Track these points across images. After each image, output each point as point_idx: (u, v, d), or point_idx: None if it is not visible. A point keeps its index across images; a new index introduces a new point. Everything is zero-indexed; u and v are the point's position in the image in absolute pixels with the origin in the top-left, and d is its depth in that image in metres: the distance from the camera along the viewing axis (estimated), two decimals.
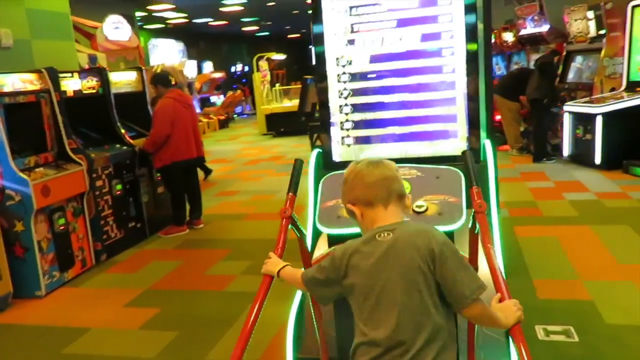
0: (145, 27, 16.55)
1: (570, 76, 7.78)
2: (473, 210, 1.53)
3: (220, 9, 15.38)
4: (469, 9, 2.45)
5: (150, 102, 5.59)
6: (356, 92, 2.62)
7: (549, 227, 4.40)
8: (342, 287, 1.40)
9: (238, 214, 5.81)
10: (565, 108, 6.88)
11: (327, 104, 2.64)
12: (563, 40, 7.89)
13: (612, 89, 6.92)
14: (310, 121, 8.78)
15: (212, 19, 17.83)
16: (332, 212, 1.94)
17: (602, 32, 7.07)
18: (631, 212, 4.69)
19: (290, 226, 1.80)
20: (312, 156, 2.65)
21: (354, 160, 1.55)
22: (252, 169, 8.68)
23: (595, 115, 6.25)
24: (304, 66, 26.97)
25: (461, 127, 2.52)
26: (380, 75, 2.58)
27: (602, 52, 7.08)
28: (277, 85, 15.65)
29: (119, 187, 4.72)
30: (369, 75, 2.59)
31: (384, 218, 1.41)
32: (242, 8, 15.71)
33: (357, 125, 2.64)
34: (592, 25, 7.16)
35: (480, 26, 2.83)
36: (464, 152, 1.77)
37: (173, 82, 5.31)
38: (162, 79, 5.17)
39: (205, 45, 21.69)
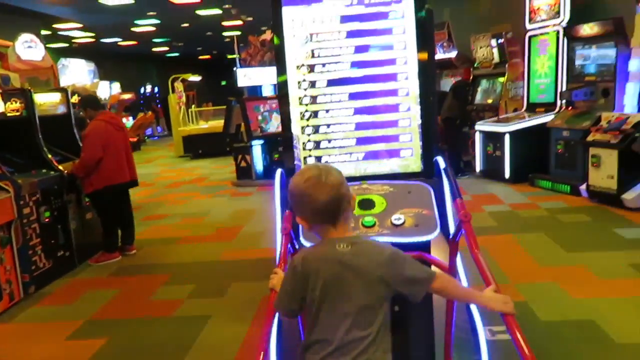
0: (48, 45, 15.65)
1: (478, 98, 8.46)
2: (458, 219, 1.70)
3: (132, 29, 14.97)
4: (421, 35, 2.69)
5: (76, 123, 5.36)
6: (317, 114, 2.75)
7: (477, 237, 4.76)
8: (306, 294, 1.46)
9: (171, 238, 5.67)
10: (477, 127, 7.47)
11: (290, 125, 2.75)
12: (470, 65, 8.59)
13: (515, 110, 7.64)
14: (234, 142, 8.77)
15: (121, 39, 17.26)
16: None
17: (505, 58, 7.79)
18: (542, 220, 5.20)
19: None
20: (277, 176, 2.73)
21: (300, 170, 1.55)
22: (176, 192, 8.49)
23: (503, 133, 6.86)
24: (215, 87, 26.79)
25: (416, 145, 2.73)
26: (339, 97, 2.73)
27: (505, 77, 7.80)
28: (194, 106, 15.42)
29: (47, 214, 4.45)
30: (329, 98, 2.74)
31: (336, 233, 1.49)
32: (154, 29, 15.40)
33: (319, 145, 2.76)
34: (496, 52, 7.88)
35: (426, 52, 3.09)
36: (444, 168, 1.95)
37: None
38: (91, 101, 4.98)
39: (113, 66, 20.88)
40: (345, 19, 2.70)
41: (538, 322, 3.08)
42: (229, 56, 22.30)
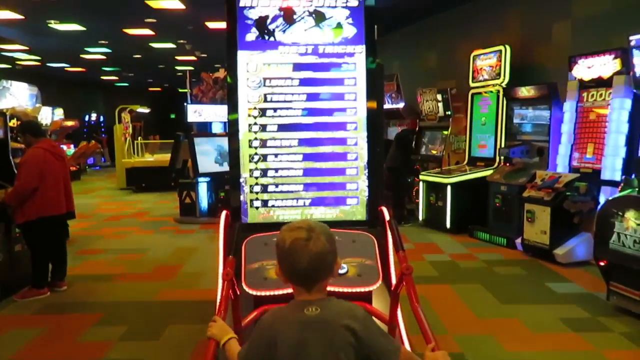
0: None
1: (423, 149, 8.75)
2: (400, 272, 1.72)
3: (81, 55, 14.66)
4: (370, 87, 2.78)
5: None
6: (266, 158, 2.76)
7: (416, 287, 4.82)
8: (272, 358, 1.43)
9: (105, 274, 5.42)
10: (421, 177, 7.69)
11: (238, 165, 2.74)
12: (416, 117, 8.91)
13: (457, 162, 7.94)
14: (180, 178, 8.62)
15: (68, 65, 16.84)
16: (259, 274, 2.01)
17: (449, 112, 8.14)
18: (480, 272, 5.35)
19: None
20: (222, 217, 2.69)
21: (291, 225, 1.52)
22: (115, 226, 8.17)
23: (446, 184, 7.09)
24: (163, 120, 26.42)
25: (362, 194, 2.78)
26: (289, 143, 2.76)
27: (449, 130, 8.14)
28: (140, 138, 15.10)
29: None
30: (279, 143, 2.76)
31: (308, 296, 1.47)
32: (105, 57, 15.15)
33: (266, 189, 2.76)
34: (441, 106, 8.23)
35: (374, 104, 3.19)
36: (389, 221, 1.99)
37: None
38: (32, 127, 4.78)
39: (58, 91, 20.26)
40: (298, 67, 2.77)
41: None
42: (180, 90, 22.16)
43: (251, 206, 2.75)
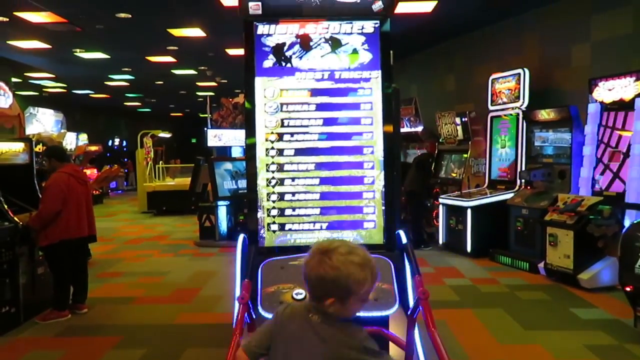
0: (17, 92, 15.54)
1: (442, 172, 8.71)
2: (417, 296, 1.71)
3: (105, 82, 15.04)
4: (386, 112, 2.80)
5: (37, 174, 5.26)
6: (283, 182, 2.78)
7: (437, 311, 4.72)
8: (272, 343, 1.51)
9: (126, 297, 5.46)
10: (441, 200, 7.64)
11: (255, 188, 2.77)
12: (435, 140, 8.89)
13: (477, 185, 7.88)
14: (200, 201, 8.70)
15: (93, 92, 17.29)
16: (275, 297, 2.01)
17: (468, 135, 8.11)
18: (501, 296, 5.25)
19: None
20: (239, 241, 2.71)
21: (317, 242, 1.54)
22: (136, 249, 8.26)
23: (466, 208, 7.03)
24: (185, 144, 26.83)
25: (379, 218, 2.78)
26: (306, 167, 2.78)
27: (468, 153, 8.09)
28: (161, 162, 15.33)
29: None
30: (295, 167, 2.78)
31: (318, 305, 1.49)
32: (128, 84, 15.52)
33: (283, 212, 2.78)
34: (459, 129, 8.21)
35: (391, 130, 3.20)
36: (405, 245, 1.98)
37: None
38: (58, 152, 4.91)
39: (82, 116, 20.78)
40: (315, 92, 2.81)
41: None
42: (201, 115, 22.53)
43: (268, 230, 2.76)
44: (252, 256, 2.09)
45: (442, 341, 1.66)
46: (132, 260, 7.39)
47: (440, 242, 7.71)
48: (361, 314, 1.96)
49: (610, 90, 5.70)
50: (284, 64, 2.80)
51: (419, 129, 9.39)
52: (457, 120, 8.20)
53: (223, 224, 8.40)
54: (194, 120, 26.56)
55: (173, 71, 13.23)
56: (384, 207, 2.78)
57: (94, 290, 5.49)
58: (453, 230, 7.39)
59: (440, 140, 8.73)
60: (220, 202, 8.29)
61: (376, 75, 2.82)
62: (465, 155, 8.21)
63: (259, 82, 2.81)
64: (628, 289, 4.01)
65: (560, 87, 7.07)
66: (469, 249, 7.05)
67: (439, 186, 8.39)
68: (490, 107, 7.69)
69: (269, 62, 2.81)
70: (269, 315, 1.96)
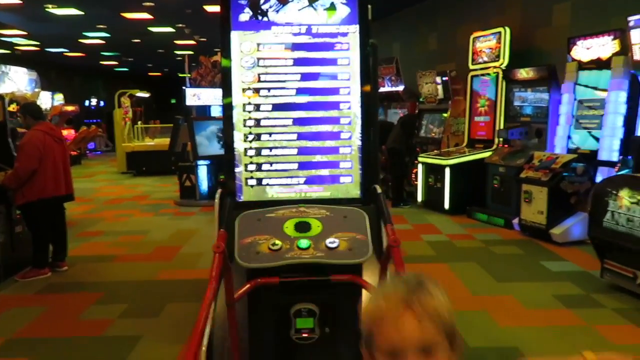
0: None
1: (422, 132, 8.76)
2: (387, 244, 1.76)
3: (80, 40, 14.61)
4: (364, 67, 2.80)
5: (10, 133, 5.16)
6: (260, 137, 2.78)
7: (413, 265, 4.85)
8: None
9: (106, 255, 5.49)
10: (420, 159, 7.72)
11: (233, 147, 2.77)
12: (415, 100, 8.90)
13: (456, 144, 7.96)
14: (180, 161, 8.66)
15: (67, 50, 16.79)
16: (251, 248, 2.06)
17: (448, 95, 8.13)
18: (476, 251, 5.40)
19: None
20: (217, 195, 2.73)
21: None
22: (116, 209, 8.24)
23: (444, 166, 7.12)
24: (164, 104, 26.38)
25: (355, 173, 2.82)
26: (283, 122, 2.79)
27: (448, 113, 8.14)
28: (140, 122, 15.11)
29: None
30: (273, 122, 2.79)
31: None
32: (104, 42, 15.10)
33: (260, 167, 2.79)
34: (440, 88, 8.22)
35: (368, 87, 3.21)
36: (377, 195, 2.02)
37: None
38: (33, 109, 4.82)
39: (57, 76, 20.23)
40: (292, 47, 2.78)
41: (466, 348, 3.17)
42: (180, 75, 22.09)
43: (246, 184, 2.78)
44: (227, 207, 2.12)
45: None
46: (112, 220, 7.38)
47: (419, 200, 7.83)
48: (335, 261, 2.03)
49: (588, 49, 5.75)
50: (260, 17, 2.76)
51: (400, 88, 9.38)
52: (438, 79, 8.20)
53: (203, 184, 8.40)
54: (174, 80, 26.03)
55: (150, 29, 12.89)
56: (360, 162, 2.81)
57: (74, 249, 5.50)
58: (432, 188, 7.51)
59: (421, 99, 8.74)
60: (200, 162, 8.26)
61: (354, 30, 2.80)
62: (445, 115, 8.26)
63: (235, 36, 2.77)
64: (596, 242, 4.16)
65: (541, 46, 7.09)
66: (447, 206, 7.18)
67: (419, 145, 8.46)
68: (471, 66, 7.69)
69: (245, 15, 2.76)
70: (245, 265, 2.01)
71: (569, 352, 2.87)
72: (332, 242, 2.06)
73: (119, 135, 13.37)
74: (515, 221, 6.03)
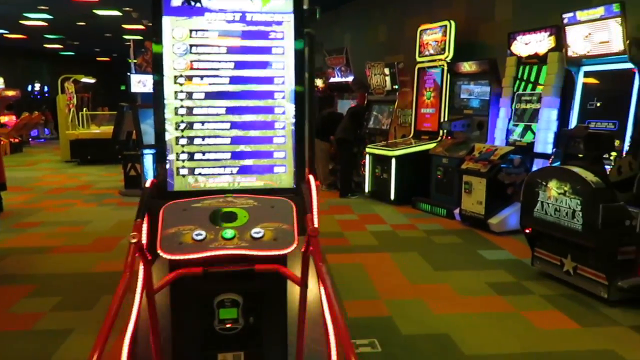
0: None
1: (371, 122, 8.85)
2: (307, 234, 1.78)
3: (20, 22, 13.93)
4: (299, 57, 2.80)
5: None
6: (192, 126, 2.74)
7: (355, 255, 4.96)
8: None
9: (42, 247, 5.30)
10: (367, 150, 7.81)
11: (164, 135, 2.72)
12: (365, 91, 8.98)
13: (403, 136, 8.09)
14: (125, 150, 8.43)
15: (8, 32, 15.99)
16: (175, 239, 2.03)
17: (396, 86, 8.24)
18: (418, 241, 5.52)
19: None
20: (146, 185, 2.67)
21: None
22: (56, 199, 7.96)
23: (390, 157, 7.23)
24: (113, 91, 25.58)
25: (289, 163, 2.82)
26: (216, 111, 2.75)
27: (395, 104, 8.25)
28: (85, 109, 14.60)
29: None
30: (205, 111, 2.75)
31: None
32: (46, 24, 14.46)
33: (192, 157, 2.75)
34: (388, 80, 8.31)
35: (305, 74, 3.20)
36: (299, 184, 2.03)
37: None
38: None
39: None
40: (225, 34, 2.74)
41: (399, 336, 3.25)
42: (129, 60, 21.44)
43: (177, 174, 2.73)
44: (145, 196, 2.08)
45: (328, 275, 1.75)
46: (52, 210, 7.13)
47: (367, 190, 7.92)
48: (259, 252, 2.03)
49: (526, 44, 5.93)
50: (193, 3, 2.70)
51: (350, 78, 9.42)
52: (386, 70, 8.29)
53: (149, 173, 8.20)
54: (123, 66, 25.20)
55: (95, 11, 12.43)
56: (294, 152, 2.81)
57: (8, 241, 5.30)
58: (378, 179, 7.61)
59: (370, 90, 8.82)
60: (146, 151, 8.06)
61: (289, 19, 2.78)
62: (392, 106, 8.36)
63: (167, 21, 2.70)
64: (527, 231, 4.33)
65: (484, 40, 7.27)
66: (392, 197, 7.30)
67: (367, 136, 8.54)
68: (418, 59, 7.81)
69: (178, 0, 2.70)
70: (167, 255, 1.98)
71: (497, 337, 2.98)
72: (257, 232, 2.06)
73: (62, 122, 12.89)
74: (457, 211, 6.19)
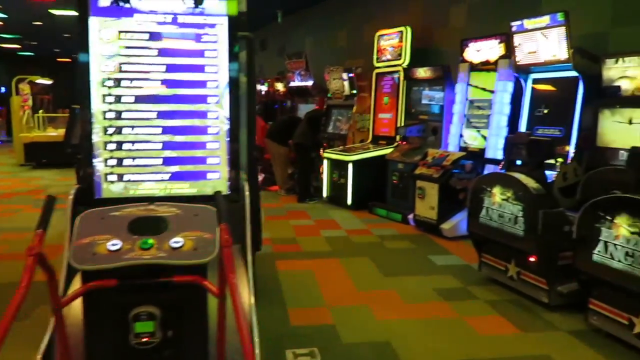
0: None
1: (330, 127, 8.84)
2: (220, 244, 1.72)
3: None
4: (233, 60, 2.74)
5: None
6: (121, 130, 2.65)
7: (306, 261, 4.91)
8: None
9: None
10: (324, 155, 7.78)
11: (91, 140, 2.62)
12: (324, 95, 8.96)
13: (362, 141, 8.10)
14: (77, 154, 8.17)
15: None
16: (88, 249, 1.94)
17: (354, 91, 8.25)
18: (371, 246, 5.51)
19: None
20: (72, 192, 2.57)
21: None
22: (5, 204, 7.67)
23: (347, 162, 7.22)
24: (75, 93, 24.92)
25: (223, 169, 2.75)
26: (147, 115, 2.67)
27: (354, 109, 8.26)
28: (41, 111, 14.17)
29: None
30: (135, 115, 2.66)
31: None
32: (1, 23, 13.99)
33: (121, 162, 2.66)
34: (347, 85, 8.32)
35: (243, 78, 3.15)
36: (215, 193, 1.97)
37: None
38: None
39: None
40: (156, 36, 2.67)
41: (340, 345, 3.21)
42: None
43: (105, 180, 2.64)
44: (48, 206, 1.99)
45: (238, 286, 1.69)
46: None
47: (325, 195, 7.89)
48: (178, 262, 1.96)
49: (478, 51, 6.01)
50: (121, 3, 2.62)
51: (310, 83, 9.40)
52: (345, 75, 8.29)
53: None
54: None
55: (51, 11, 12.09)
56: (229, 158, 2.75)
57: None
58: (336, 184, 7.59)
59: (329, 95, 8.81)
60: None
61: (222, 21, 2.73)
62: (351, 111, 8.36)
63: (95, 22, 2.61)
64: (474, 236, 4.36)
65: (439, 46, 7.34)
66: (350, 202, 7.29)
67: (326, 141, 8.52)
68: (376, 64, 7.84)
69: (106, 0, 2.61)
70: (78, 266, 1.90)
71: (438, 344, 2.96)
72: (176, 241, 1.99)
73: (16, 124, 12.47)
74: (411, 216, 6.22)
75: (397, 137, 7.26)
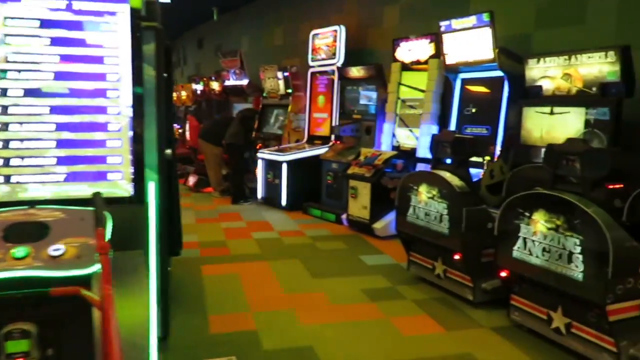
0: None
1: (266, 127, 8.67)
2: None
3: None
4: (137, 52, 2.54)
5: None
6: (7, 127, 2.39)
7: (233, 265, 4.73)
8: None
9: None
10: (259, 155, 7.61)
11: None
12: (259, 94, 8.79)
13: (297, 140, 7.98)
14: None
15: None
16: None
17: (289, 90, 8.13)
18: (302, 247, 5.39)
19: None
20: None
21: None
22: None
23: (281, 162, 7.08)
24: None
25: (126, 169, 2.54)
26: (39, 110, 2.43)
27: (289, 108, 8.13)
28: None
29: None
30: (24, 110, 2.41)
31: None
32: None
33: (8, 162, 2.41)
34: (281, 84, 8.18)
35: (151, 72, 2.94)
36: (94, 194, 1.78)
37: None
38: None
39: None
40: (48, 24, 2.42)
41: (259, 351, 3.07)
42: None
43: None
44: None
45: (111, 295, 1.52)
46: None
47: (259, 196, 7.73)
48: (57, 274, 1.75)
49: (409, 50, 6.03)
50: None
51: (245, 82, 9.20)
52: (279, 74, 8.15)
53: None
54: None
55: None
56: (132, 157, 2.54)
57: None
58: (270, 184, 7.44)
59: (264, 94, 8.65)
60: None
61: (123, 9, 2.52)
62: (286, 111, 8.23)
63: None
64: (403, 235, 4.33)
65: (373, 46, 7.34)
66: (284, 203, 7.16)
67: (262, 141, 8.35)
68: (311, 63, 7.75)
69: None
70: None
71: (362, 347, 2.86)
72: (56, 249, 1.79)
73: None
74: (344, 216, 6.16)
75: (332, 137, 7.20)
